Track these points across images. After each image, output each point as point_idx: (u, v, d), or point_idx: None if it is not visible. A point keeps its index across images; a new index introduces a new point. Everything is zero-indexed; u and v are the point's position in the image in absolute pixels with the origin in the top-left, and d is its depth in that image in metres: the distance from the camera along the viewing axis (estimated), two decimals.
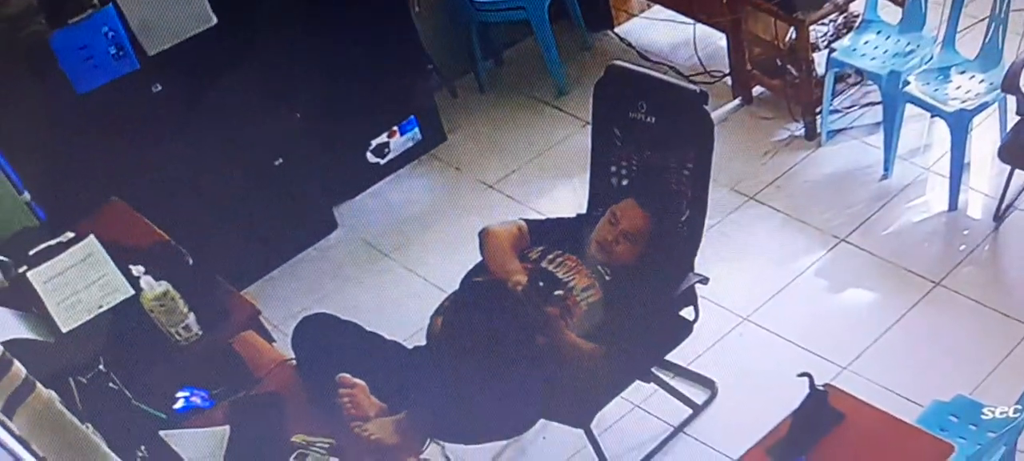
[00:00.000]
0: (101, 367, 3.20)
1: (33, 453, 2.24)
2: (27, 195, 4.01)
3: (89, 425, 2.73)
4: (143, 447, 3.05)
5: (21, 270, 3.65)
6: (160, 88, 4.45)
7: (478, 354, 3.40)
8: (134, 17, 4.27)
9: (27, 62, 4.30)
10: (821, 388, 2.91)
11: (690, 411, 4.02)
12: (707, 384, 4.10)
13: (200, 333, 3.47)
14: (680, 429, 4.00)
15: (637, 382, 3.80)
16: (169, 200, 4.35)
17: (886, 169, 4.80)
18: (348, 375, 3.22)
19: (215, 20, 4.44)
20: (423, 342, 3.67)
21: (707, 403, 4.05)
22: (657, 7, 5.88)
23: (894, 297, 4.31)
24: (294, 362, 3.42)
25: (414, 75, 5.39)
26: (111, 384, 3.18)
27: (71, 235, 3.78)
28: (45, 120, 4.30)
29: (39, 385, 2.34)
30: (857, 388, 3.13)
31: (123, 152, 4.34)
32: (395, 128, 5.38)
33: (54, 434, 2.35)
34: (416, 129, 5.45)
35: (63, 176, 4.24)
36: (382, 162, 5.40)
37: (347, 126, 5.21)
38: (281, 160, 4.91)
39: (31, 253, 3.72)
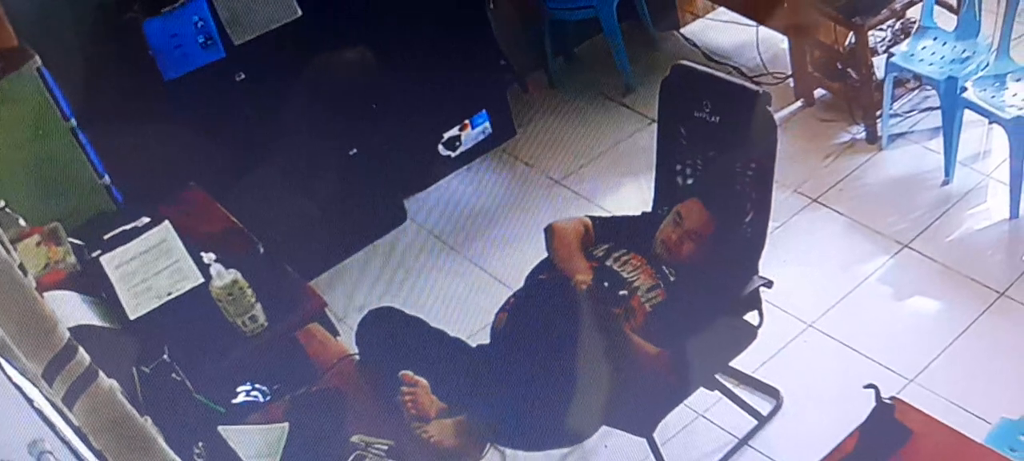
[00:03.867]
0: (165, 357, 2.95)
1: (90, 446, 2.01)
2: (107, 178, 3.82)
3: (148, 417, 2.51)
4: (201, 442, 2.80)
5: (95, 254, 3.44)
6: (243, 77, 4.34)
7: (541, 356, 3.21)
8: (224, 8, 4.20)
9: (119, 48, 4.23)
10: (887, 401, 2.67)
11: (755, 422, 3.76)
12: (772, 393, 3.83)
13: (266, 324, 3.22)
14: (745, 441, 3.74)
15: (701, 389, 3.57)
16: (245, 187, 4.20)
17: (947, 174, 4.54)
18: (410, 373, 3.03)
19: (300, 12, 4.32)
20: (487, 340, 3.46)
21: (772, 413, 3.79)
22: (722, 9, 5.68)
23: (959, 306, 4.02)
24: (357, 357, 3.20)
25: (487, 70, 5.22)
26: (174, 375, 2.94)
27: (147, 220, 3.57)
28: (131, 105, 4.17)
29: (102, 374, 2.15)
30: (923, 402, 2.89)
31: (203, 139, 4.22)
32: (467, 122, 5.20)
33: (112, 427, 2.13)
34: (487, 123, 5.26)
35: (143, 161, 4.07)
36: (453, 155, 5.22)
37: (420, 118, 5.02)
38: (355, 150, 4.74)
39: (106, 237, 3.51)
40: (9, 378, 1.83)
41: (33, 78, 3.57)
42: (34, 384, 1.94)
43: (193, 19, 4.12)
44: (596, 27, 5.44)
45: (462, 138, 5.19)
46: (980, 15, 4.51)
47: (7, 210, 3.42)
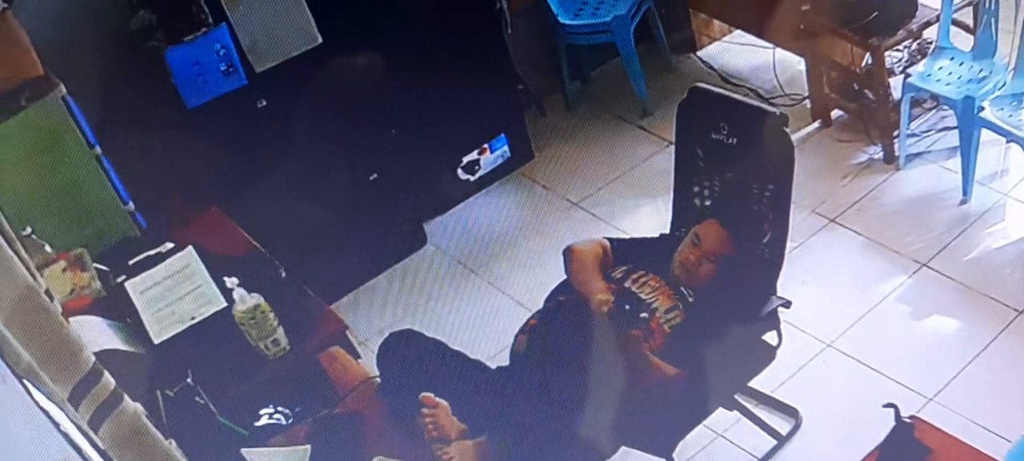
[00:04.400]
0: (189, 380, 2.97)
1: None
2: (131, 205, 3.84)
3: (172, 441, 2.53)
4: None
5: (119, 279, 3.47)
6: (265, 104, 4.34)
7: (560, 377, 3.19)
8: (245, 36, 4.19)
9: (142, 76, 4.21)
10: (907, 420, 2.67)
11: (774, 442, 3.73)
12: (791, 413, 3.81)
13: (288, 347, 3.23)
14: None
15: (720, 409, 3.55)
16: (266, 212, 4.16)
17: (965, 194, 4.51)
18: (431, 394, 3.03)
19: (321, 40, 4.32)
20: (506, 361, 3.44)
21: (791, 433, 3.76)
22: (738, 32, 5.68)
23: (978, 325, 3.98)
24: (378, 380, 3.20)
25: (505, 94, 5.21)
26: (197, 398, 2.96)
27: (170, 246, 3.60)
28: (154, 132, 4.16)
29: (127, 397, 2.20)
30: (943, 420, 2.85)
31: (225, 164, 4.22)
32: (486, 146, 5.18)
33: (137, 450, 2.17)
34: (505, 147, 5.25)
35: (166, 187, 4.10)
36: (472, 179, 5.21)
37: (440, 143, 5.02)
38: (376, 175, 4.73)
39: (130, 263, 3.54)
40: (36, 402, 1.84)
41: (58, 106, 3.59)
42: (60, 407, 1.95)
43: (215, 47, 4.12)
44: (613, 51, 5.43)
45: (481, 162, 5.18)
46: (997, 35, 4.48)
47: (33, 237, 3.45)
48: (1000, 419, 3.51)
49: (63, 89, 3.61)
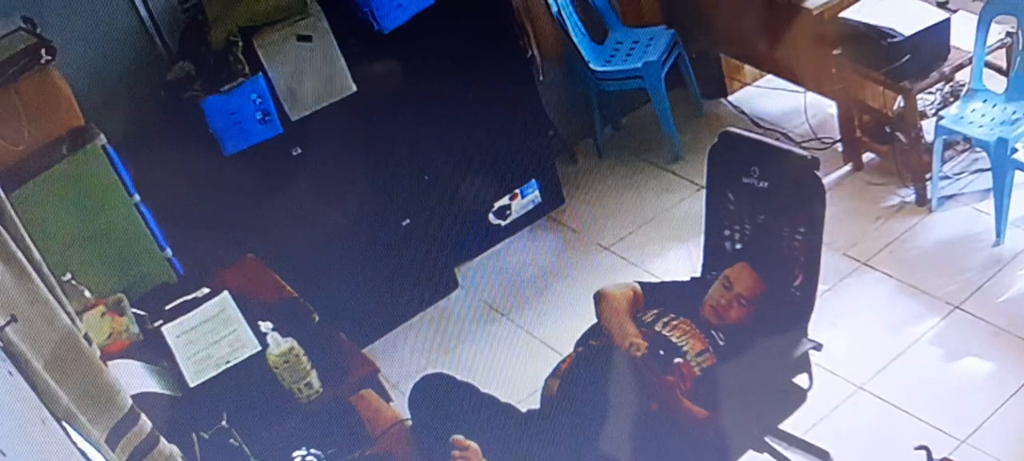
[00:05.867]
0: (224, 423, 3.01)
1: None
2: (168, 251, 3.90)
3: None
4: None
5: (156, 324, 3.51)
6: (299, 151, 4.38)
7: (592, 421, 3.17)
8: (281, 86, 4.24)
9: (180, 125, 4.27)
10: None
11: None
12: (822, 456, 3.76)
13: (321, 390, 3.25)
14: None
15: (750, 452, 3.53)
16: (300, 257, 4.24)
17: (998, 235, 4.47)
18: (462, 437, 3.02)
19: (355, 88, 4.35)
20: (537, 405, 3.43)
21: None
22: (769, 76, 5.65)
23: (1011, 367, 3.93)
24: (410, 422, 3.20)
25: (536, 140, 5.23)
26: (232, 441, 2.99)
27: (206, 291, 3.64)
28: (191, 180, 4.21)
29: (163, 440, 2.22)
30: None
31: (261, 210, 4.27)
32: (517, 191, 5.20)
33: None
34: (536, 192, 5.26)
35: (203, 233, 4.11)
36: (503, 224, 5.22)
37: (471, 189, 5.04)
38: (408, 221, 4.76)
39: (167, 308, 3.58)
40: (75, 443, 1.86)
41: (98, 155, 3.66)
42: (98, 449, 1.98)
43: (251, 96, 4.16)
44: (644, 97, 5.45)
45: (512, 207, 5.19)
46: None
47: (73, 282, 3.49)
48: None
49: (103, 138, 3.68)
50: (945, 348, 4.11)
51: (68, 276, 3.47)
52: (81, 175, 3.65)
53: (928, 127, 4.71)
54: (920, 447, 2.70)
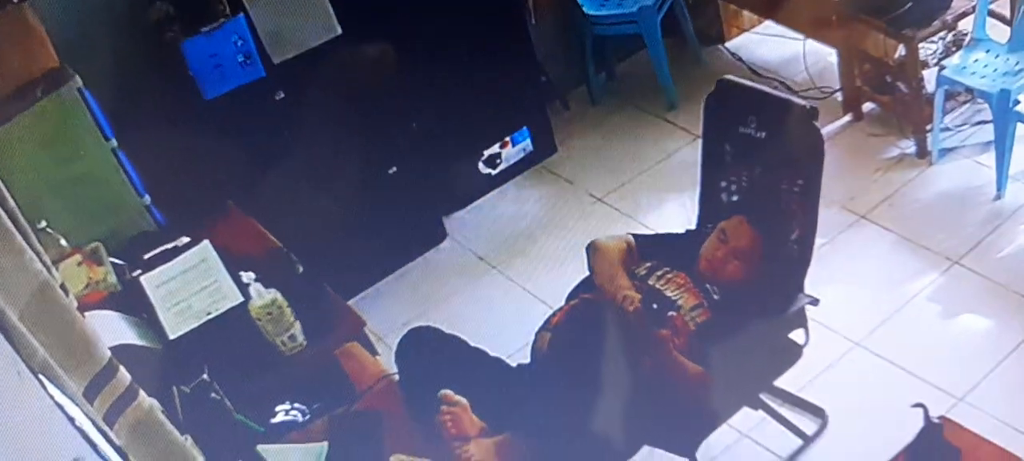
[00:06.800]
0: (205, 376, 2.98)
1: None
2: (147, 199, 3.87)
3: (188, 437, 2.56)
4: None
5: (135, 274, 3.48)
6: (283, 96, 4.35)
7: (583, 375, 3.17)
8: (263, 27, 4.20)
9: (159, 67, 4.26)
10: (936, 421, 2.66)
11: (800, 442, 3.73)
12: (817, 413, 3.80)
13: (305, 343, 3.25)
14: None
15: (745, 409, 3.55)
16: (284, 206, 4.19)
17: (999, 189, 4.49)
18: (450, 392, 3.03)
19: (340, 30, 4.32)
20: (527, 359, 3.44)
21: (817, 434, 3.75)
22: (768, 22, 5.64)
23: (1010, 325, 3.95)
24: (397, 377, 3.19)
25: (527, 87, 5.21)
26: (213, 394, 2.97)
27: (186, 240, 3.61)
28: (171, 124, 4.21)
29: (142, 393, 2.18)
30: (973, 421, 2.84)
31: (242, 157, 4.24)
32: (507, 139, 5.19)
33: (153, 445, 2.17)
34: (528, 140, 5.25)
35: (183, 180, 4.12)
36: (493, 173, 5.21)
37: (460, 136, 5.03)
38: (395, 169, 4.75)
39: (146, 257, 3.55)
40: (51, 396, 1.85)
41: (74, 98, 3.62)
42: (75, 403, 1.96)
43: (232, 38, 4.12)
44: (639, 43, 5.42)
45: (502, 156, 5.19)
46: None
47: (49, 230, 3.46)
48: None
49: (79, 81, 3.64)
50: (944, 304, 4.14)
51: (43, 224, 3.44)
52: (56, 119, 3.62)
53: (929, 77, 4.73)
54: (917, 405, 2.63)
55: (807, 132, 3.45)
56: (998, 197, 4.48)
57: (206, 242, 3.53)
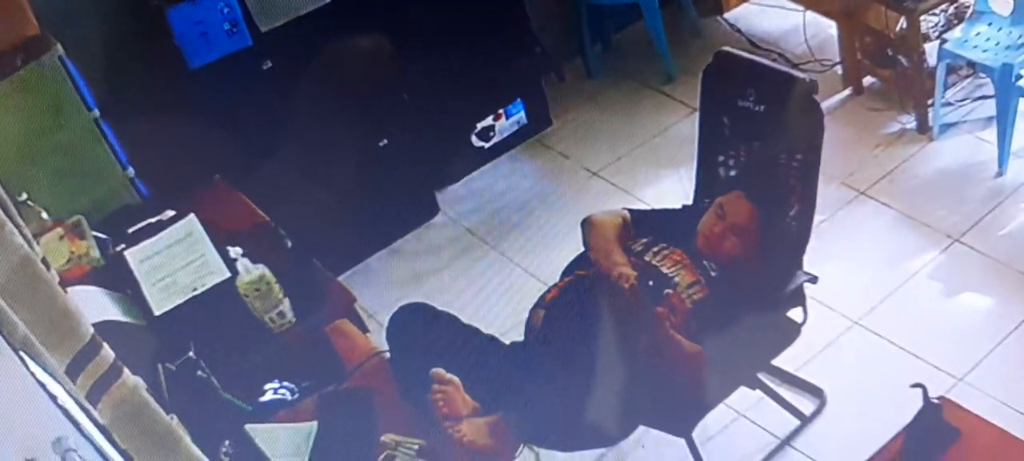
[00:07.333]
0: (191, 354, 2.97)
1: (115, 445, 2.04)
2: (131, 171, 3.87)
3: (174, 416, 2.53)
4: (228, 441, 2.82)
5: (119, 248, 3.48)
6: (270, 65, 4.35)
7: (578, 354, 3.17)
8: None
9: (143, 35, 4.25)
10: (936, 401, 2.66)
11: (798, 422, 3.74)
12: (815, 393, 3.80)
13: (293, 320, 3.24)
14: (787, 442, 3.71)
15: (742, 388, 3.54)
16: (272, 180, 4.19)
17: (1000, 165, 4.49)
18: (442, 371, 3.02)
19: None
20: (521, 337, 3.43)
21: (815, 414, 3.76)
22: None
23: (1011, 303, 3.96)
24: (387, 354, 3.19)
25: (522, 58, 5.19)
26: (200, 372, 2.96)
27: (172, 213, 3.61)
28: (155, 94, 4.20)
29: (126, 371, 2.15)
30: (973, 401, 2.86)
31: (229, 129, 4.23)
32: (501, 111, 5.17)
33: (138, 425, 2.15)
34: (522, 113, 5.24)
35: (168, 152, 4.09)
36: (487, 146, 5.20)
37: (453, 108, 5.01)
38: (386, 141, 4.74)
39: (130, 231, 3.55)
40: (33, 374, 1.84)
41: (55, 67, 3.61)
42: (57, 380, 1.95)
43: (219, 5, 4.11)
44: (636, 13, 5.41)
45: (496, 128, 5.18)
46: None
47: (29, 203, 3.46)
48: None
49: (60, 49, 3.62)
50: (944, 282, 4.14)
51: (24, 196, 3.43)
52: (36, 88, 3.61)
53: (931, 50, 4.72)
54: (916, 385, 2.64)
55: (807, 106, 3.45)
56: (1000, 174, 4.48)
57: (192, 216, 3.53)
